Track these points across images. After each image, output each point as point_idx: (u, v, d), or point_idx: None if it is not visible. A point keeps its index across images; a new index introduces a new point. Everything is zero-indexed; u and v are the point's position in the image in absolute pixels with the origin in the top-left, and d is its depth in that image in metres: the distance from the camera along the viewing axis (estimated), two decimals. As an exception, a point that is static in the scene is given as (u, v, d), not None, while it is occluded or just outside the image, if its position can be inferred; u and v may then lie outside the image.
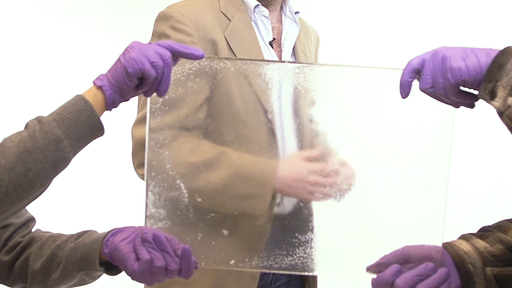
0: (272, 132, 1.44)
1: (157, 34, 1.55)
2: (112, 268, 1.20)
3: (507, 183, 3.20)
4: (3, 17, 3.46)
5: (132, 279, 1.15)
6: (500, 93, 0.98)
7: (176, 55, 1.12)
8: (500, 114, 1.00)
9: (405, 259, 1.16)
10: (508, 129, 1.01)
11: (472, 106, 1.07)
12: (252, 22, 1.59)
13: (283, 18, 1.65)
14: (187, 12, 1.55)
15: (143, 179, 1.50)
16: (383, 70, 1.20)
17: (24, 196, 0.99)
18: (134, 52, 1.07)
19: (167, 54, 1.09)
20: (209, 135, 1.52)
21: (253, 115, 1.47)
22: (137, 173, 1.52)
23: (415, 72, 1.07)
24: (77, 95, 1.06)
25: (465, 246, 1.16)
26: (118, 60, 1.08)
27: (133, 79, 1.07)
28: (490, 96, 1.00)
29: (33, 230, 1.28)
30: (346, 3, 3.42)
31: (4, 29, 3.44)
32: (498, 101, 0.99)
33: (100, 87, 1.07)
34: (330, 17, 3.33)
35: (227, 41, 1.54)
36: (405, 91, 1.08)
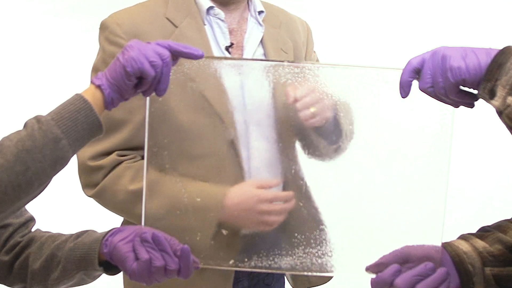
0: (233, 146, 1.39)
1: (99, 44, 1.50)
2: (111, 268, 1.20)
3: (507, 183, 3.20)
4: (3, 17, 3.46)
5: (131, 279, 1.15)
6: (500, 92, 0.98)
7: (175, 55, 1.12)
8: (500, 113, 1.00)
9: (404, 259, 1.16)
10: (507, 128, 1.01)
11: (471, 106, 1.07)
12: (207, 26, 1.49)
13: (249, 19, 1.54)
14: (124, 22, 1.46)
15: (91, 197, 1.47)
16: (383, 70, 1.19)
17: (23, 195, 0.99)
18: (133, 51, 1.07)
19: (166, 54, 1.09)
20: (156, 157, 1.47)
21: (209, 127, 1.40)
22: (84, 193, 1.47)
23: (415, 71, 1.07)
24: (76, 94, 1.06)
25: (464, 246, 1.16)
26: (117, 59, 1.08)
27: (132, 79, 1.07)
28: (490, 96, 1.00)
29: (32, 230, 1.28)
30: (343, 3, 3.42)
31: (4, 29, 3.45)
32: (497, 100, 0.98)
33: (99, 86, 1.07)
34: (328, 17, 3.33)
35: None
36: (405, 90, 1.08)
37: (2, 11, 3.46)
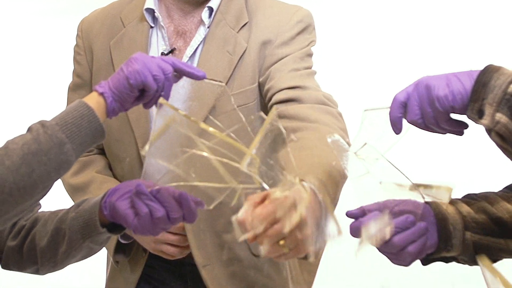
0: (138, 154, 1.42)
1: None
2: (116, 228, 1.19)
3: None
4: (3, 17, 3.47)
5: (135, 233, 1.14)
6: (488, 110, 0.98)
7: (179, 73, 1.14)
8: (489, 131, 1.00)
9: (387, 209, 1.13)
10: (498, 146, 1.01)
11: (461, 133, 1.07)
12: (155, 29, 1.47)
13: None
14: (86, 20, 1.53)
15: None
16: (369, 112, 1.15)
17: (27, 197, 1.01)
18: (137, 64, 1.09)
19: (169, 69, 1.11)
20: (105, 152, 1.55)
21: (125, 133, 1.43)
22: None
23: (403, 106, 1.06)
24: (79, 101, 1.08)
25: (449, 208, 1.15)
26: (121, 69, 1.10)
27: (135, 91, 1.09)
28: (478, 115, 1.00)
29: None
30: (342, 4, 3.42)
31: (4, 28, 3.45)
32: (486, 119, 0.98)
33: (101, 94, 1.09)
34: (328, 18, 3.33)
35: (110, 50, 1.46)
36: (397, 127, 1.08)
37: (2, 11, 3.47)
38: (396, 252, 1.11)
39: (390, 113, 1.07)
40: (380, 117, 1.11)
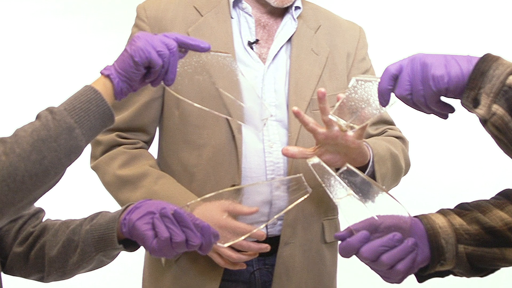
0: (233, 139, 1.42)
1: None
2: (130, 245, 1.20)
3: (508, 183, 3.19)
4: (3, 17, 3.46)
5: (151, 255, 1.15)
6: (484, 100, 0.96)
7: (183, 47, 1.14)
8: (484, 122, 0.98)
9: (374, 227, 1.11)
10: (492, 137, 1.00)
11: (445, 117, 1.06)
12: (234, 20, 1.50)
13: (285, 14, 1.53)
14: (150, 7, 1.51)
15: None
16: (359, 81, 1.17)
17: (40, 184, 1.00)
18: (140, 42, 1.08)
19: (173, 44, 1.10)
20: (161, 139, 1.54)
21: (212, 118, 1.42)
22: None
23: (393, 79, 1.05)
24: (86, 86, 1.08)
25: (441, 220, 1.13)
26: (125, 50, 1.10)
27: (140, 68, 1.08)
28: (473, 104, 0.98)
29: (43, 220, 1.28)
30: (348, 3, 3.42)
31: (4, 29, 3.44)
32: (482, 109, 0.97)
33: (108, 76, 1.08)
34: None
35: None
36: (385, 99, 1.07)
37: (2, 11, 3.46)
38: (385, 270, 1.09)
39: (379, 84, 1.06)
40: (370, 87, 1.12)
